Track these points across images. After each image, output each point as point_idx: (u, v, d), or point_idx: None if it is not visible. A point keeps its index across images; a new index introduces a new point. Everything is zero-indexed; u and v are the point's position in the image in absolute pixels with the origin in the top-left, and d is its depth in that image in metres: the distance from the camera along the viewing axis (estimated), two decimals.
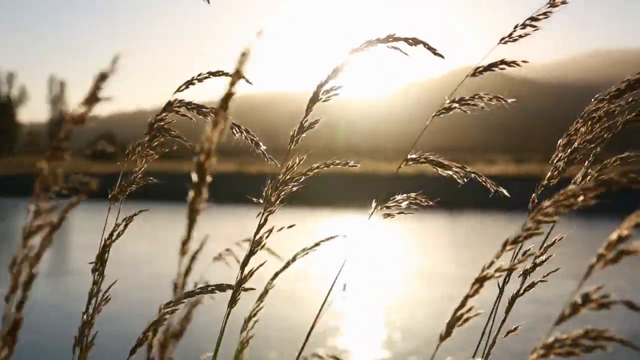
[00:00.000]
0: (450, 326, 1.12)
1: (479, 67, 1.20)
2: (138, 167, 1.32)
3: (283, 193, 1.30)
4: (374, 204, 1.24)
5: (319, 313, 1.21)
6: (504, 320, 1.22)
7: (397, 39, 1.17)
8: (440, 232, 22.11)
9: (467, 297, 1.10)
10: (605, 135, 1.07)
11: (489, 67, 1.19)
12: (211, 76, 1.29)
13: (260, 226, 1.29)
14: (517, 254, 1.18)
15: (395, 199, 1.25)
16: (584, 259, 0.84)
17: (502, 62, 1.18)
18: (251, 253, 1.29)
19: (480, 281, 1.09)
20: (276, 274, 1.58)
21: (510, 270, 1.13)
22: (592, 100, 1.07)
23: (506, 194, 1.21)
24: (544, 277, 1.19)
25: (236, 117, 1.29)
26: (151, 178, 1.32)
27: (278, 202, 1.30)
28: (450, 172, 1.22)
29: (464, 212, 24.85)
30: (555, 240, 1.17)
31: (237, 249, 2.51)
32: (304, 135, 1.30)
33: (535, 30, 1.15)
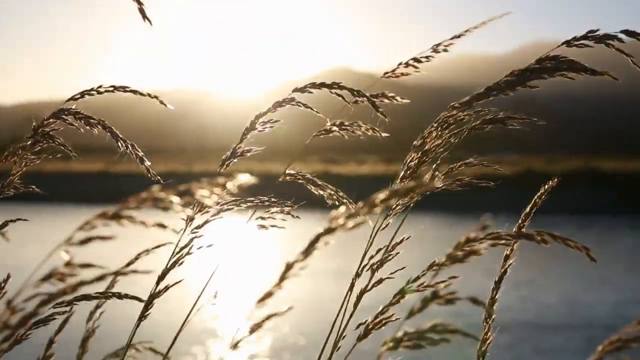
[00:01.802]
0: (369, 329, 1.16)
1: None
2: (16, 170, 1.26)
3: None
4: (250, 214, 1.23)
5: (187, 317, 1.20)
6: (352, 314, 1.26)
7: (342, 87, 1.18)
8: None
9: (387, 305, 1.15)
10: (452, 140, 1.14)
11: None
12: (115, 91, 1.24)
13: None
14: (368, 251, 1.22)
15: (270, 211, 1.23)
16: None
17: (322, 84, 1.21)
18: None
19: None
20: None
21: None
22: (448, 107, 1.13)
23: (370, 223, 1.20)
24: (391, 274, 1.23)
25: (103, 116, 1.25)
26: (33, 187, 1.28)
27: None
28: (322, 193, 1.25)
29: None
30: (403, 238, 1.21)
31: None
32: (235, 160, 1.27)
33: (416, 71, 1.19)
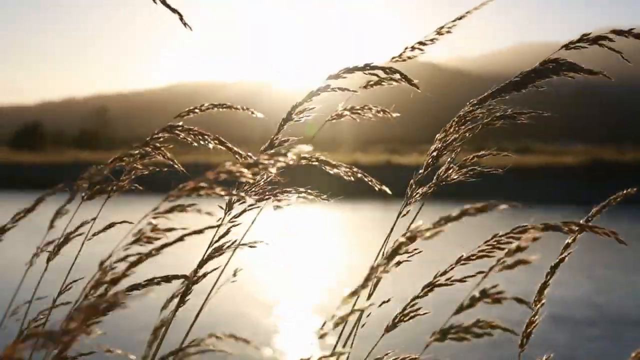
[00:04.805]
0: (395, 321, 1.20)
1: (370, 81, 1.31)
2: (125, 177, 1.36)
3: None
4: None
5: (208, 295, 1.25)
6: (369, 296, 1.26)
7: (375, 68, 1.25)
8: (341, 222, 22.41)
9: (415, 297, 1.20)
10: (467, 135, 1.24)
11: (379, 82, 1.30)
12: (214, 108, 1.38)
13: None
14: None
15: (286, 191, 1.31)
16: None
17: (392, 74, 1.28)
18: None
19: (431, 286, 1.19)
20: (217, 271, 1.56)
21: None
22: (467, 104, 1.23)
23: (388, 191, 1.30)
24: (409, 256, 1.21)
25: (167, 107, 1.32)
26: (136, 185, 1.34)
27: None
28: (338, 171, 1.32)
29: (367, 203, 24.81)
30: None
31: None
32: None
33: (422, 53, 1.27)
